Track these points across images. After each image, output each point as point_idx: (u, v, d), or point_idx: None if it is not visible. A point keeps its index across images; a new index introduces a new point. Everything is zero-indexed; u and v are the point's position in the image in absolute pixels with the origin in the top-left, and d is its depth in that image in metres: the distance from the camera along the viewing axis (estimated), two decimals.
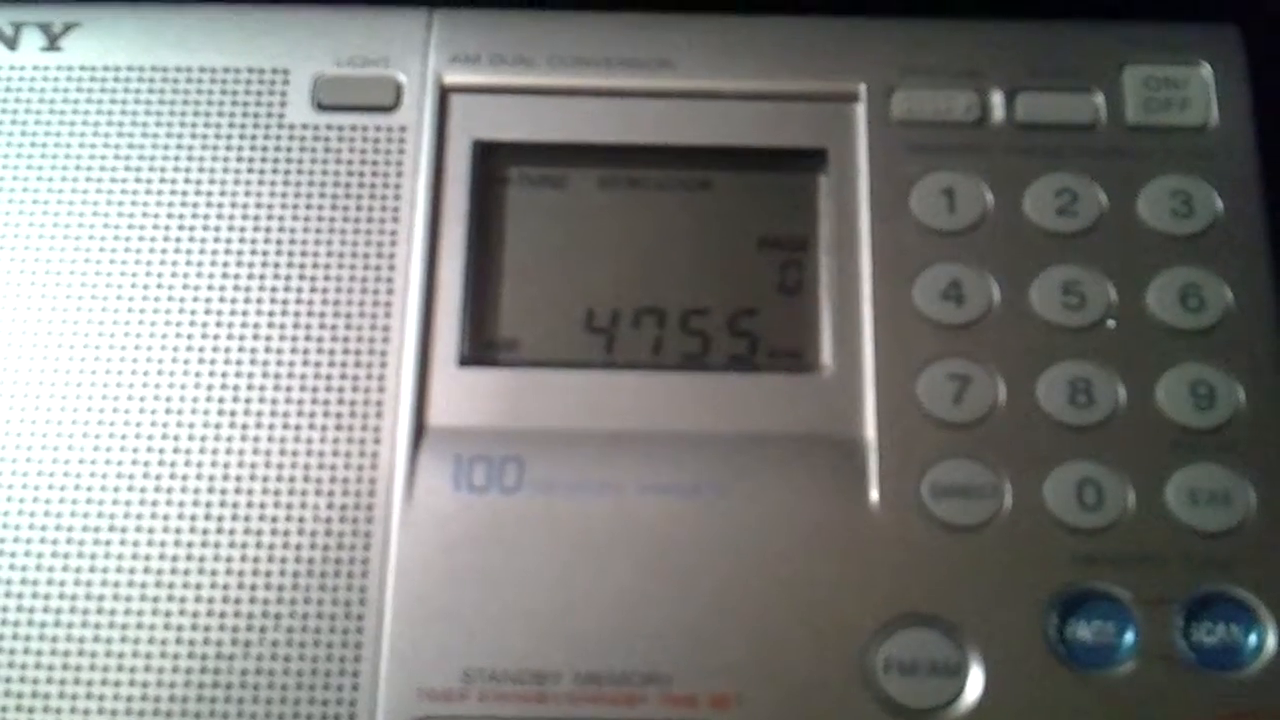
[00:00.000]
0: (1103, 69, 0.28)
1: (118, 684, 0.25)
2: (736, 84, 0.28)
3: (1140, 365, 0.26)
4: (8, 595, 0.25)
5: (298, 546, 0.25)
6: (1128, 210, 0.27)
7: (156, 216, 0.28)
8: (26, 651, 0.25)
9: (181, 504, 0.26)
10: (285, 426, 0.26)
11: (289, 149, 0.28)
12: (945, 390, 0.26)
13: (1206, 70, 0.29)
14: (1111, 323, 0.27)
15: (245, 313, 0.27)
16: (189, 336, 0.27)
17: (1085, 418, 0.26)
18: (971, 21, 0.29)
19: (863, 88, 0.28)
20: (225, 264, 0.27)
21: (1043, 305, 0.27)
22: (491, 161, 0.28)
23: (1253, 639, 0.25)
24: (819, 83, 0.28)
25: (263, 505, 0.26)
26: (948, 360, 0.26)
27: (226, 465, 0.26)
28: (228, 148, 0.28)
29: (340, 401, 0.26)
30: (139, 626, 0.25)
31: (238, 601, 0.25)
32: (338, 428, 0.26)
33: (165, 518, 0.25)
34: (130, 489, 0.26)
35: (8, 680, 0.25)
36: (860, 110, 0.28)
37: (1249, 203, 0.27)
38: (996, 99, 0.28)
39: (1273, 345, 0.26)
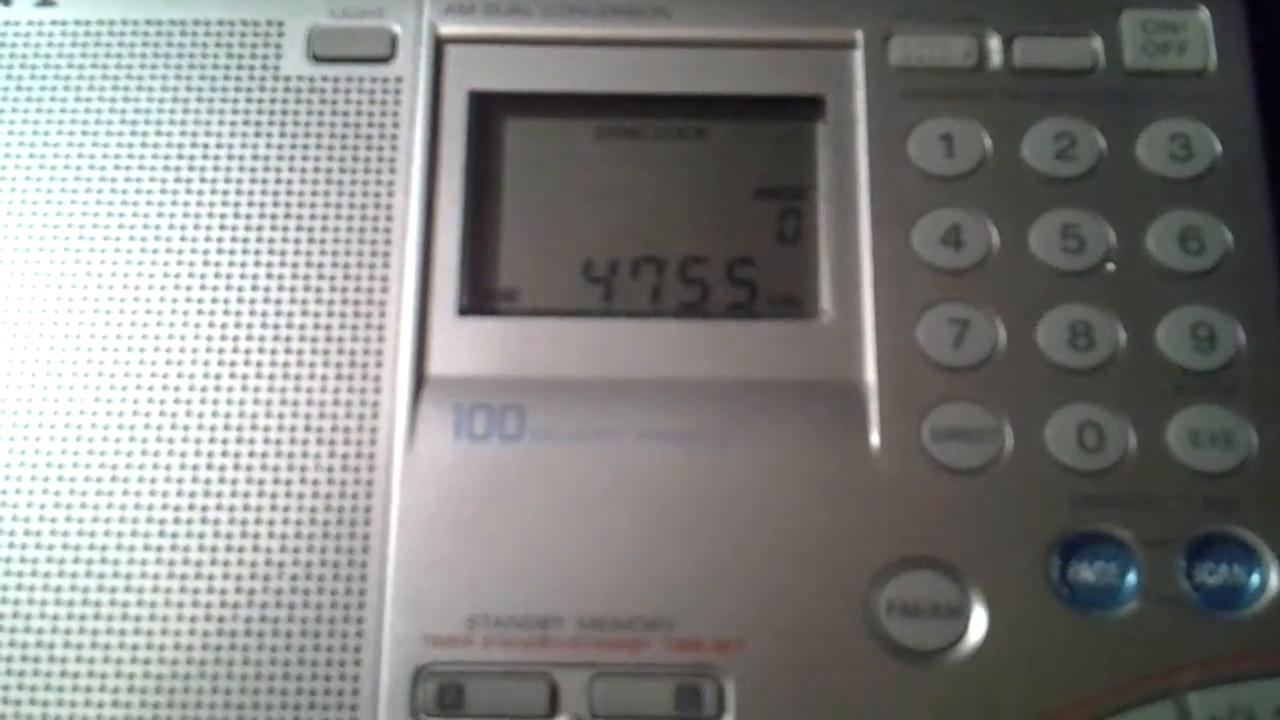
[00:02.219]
0: (1100, 13, 0.28)
1: (122, 633, 0.25)
2: (733, 32, 0.28)
3: (1140, 308, 0.26)
4: (12, 546, 0.25)
5: (300, 496, 0.25)
6: (1127, 154, 0.27)
7: (153, 170, 0.27)
8: (31, 602, 0.25)
9: (184, 454, 0.26)
10: (286, 377, 0.26)
11: (284, 101, 0.28)
12: (945, 334, 0.26)
13: (1204, 14, 0.28)
14: (1111, 266, 0.27)
15: (244, 264, 0.27)
16: (188, 289, 0.27)
17: (1085, 360, 0.26)
18: None
19: (859, 34, 0.28)
20: (223, 217, 0.27)
21: (1042, 249, 0.27)
22: (488, 112, 0.28)
23: (1255, 579, 0.25)
24: (816, 30, 0.28)
25: (264, 455, 0.26)
26: (947, 304, 0.26)
27: (228, 416, 0.26)
28: (223, 100, 0.28)
29: (340, 352, 0.26)
30: (143, 576, 0.25)
31: (241, 550, 0.25)
32: (338, 377, 0.26)
33: (168, 468, 0.26)
34: (132, 440, 0.26)
35: (14, 630, 0.25)
36: (857, 57, 0.28)
37: (1248, 145, 0.27)
38: (994, 44, 0.28)
39: (1273, 286, 0.26)
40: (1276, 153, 0.27)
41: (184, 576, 0.25)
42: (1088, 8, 0.28)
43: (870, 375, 0.26)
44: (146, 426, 0.26)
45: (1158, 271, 0.27)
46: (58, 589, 0.25)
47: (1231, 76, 0.28)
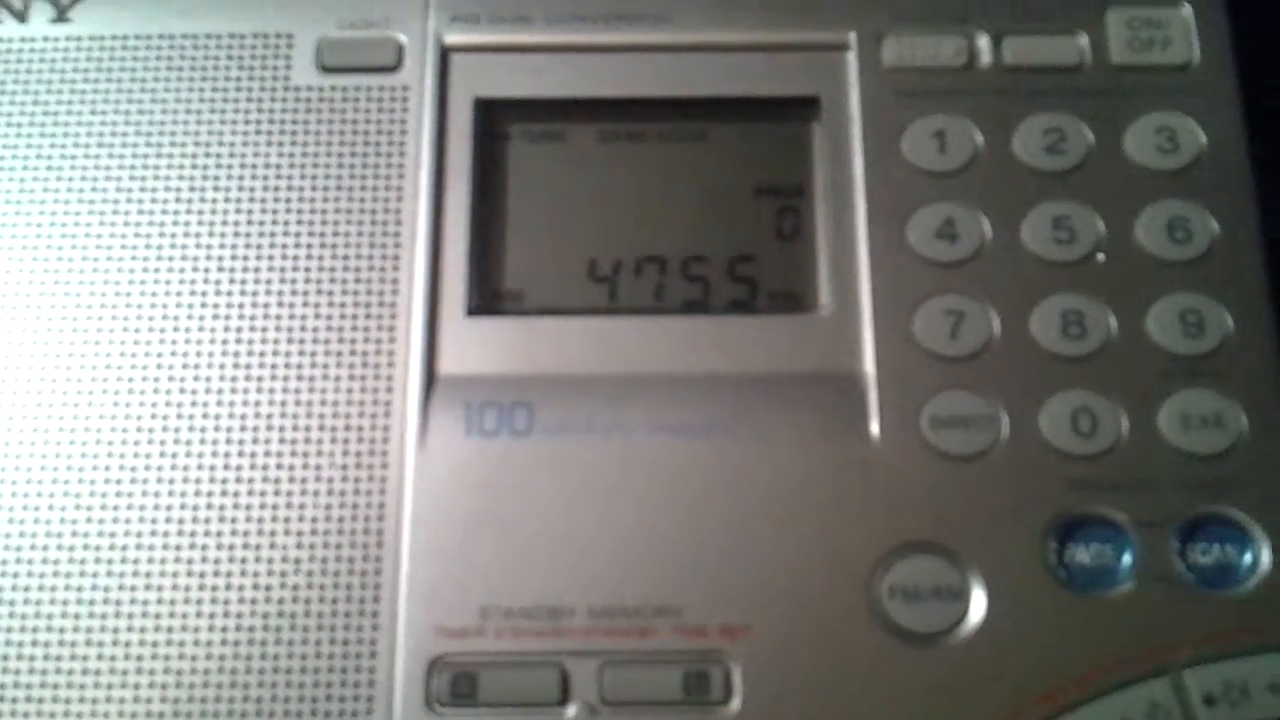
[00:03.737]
0: (1086, 11, 0.29)
1: (143, 630, 0.25)
2: (730, 36, 0.29)
3: (1130, 296, 0.27)
4: (34, 547, 0.26)
5: (315, 493, 0.26)
6: (1114, 147, 0.28)
7: (169, 180, 0.28)
8: (54, 602, 0.25)
9: (201, 455, 0.26)
10: (300, 379, 0.27)
11: (295, 110, 0.29)
12: (941, 325, 0.27)
13: (1187, 10, 0.29)
14: (1101, 256, 0.27)
15: (258, 270, 0.28)
16: (204, 294, 0.27)
17: (1078, 348, 0.27)
18: None
19: (853, 36, 0.29)
20: (237, 224, 0.28)
21: (1034, 241, 0.27)
22: (493, 118, 0.29)
23: (1248, 558, 0.25)
24: (811, 33, 0.29)
25: (280, 454, 0.26)
26: (943, 296, 0.27)
27: (244, 417, 0.26)
28: (236, 111, 0.29)
29: (353, 353, 0.27)
30: (162, 574, 0.26)
31: (258, 547, 0.26)
32: (351, 378, 0.27)
33: (185, 469, 0.26)
34: (150, 442, 0.26)
35: (37, 630, 0.25)
36: (851, 58, 0.29)
37: (1232, 136, 0.28)
38: (984, 43, 0.29)
39: (1259, 272, 0.27)
40: (1260, 143, 0.28)
41: (203, 574, 0.26)
42: (1074, 6, 0.29)
43: (869, 366, 0.27)
44: (165, 428, 0.26)
45: (1147, 260, 0.27)
46: (79, 588, 0.26)
47: (1215, 70, 0.29)
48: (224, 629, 0.25)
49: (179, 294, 0.27)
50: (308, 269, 0.28)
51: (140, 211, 0.28)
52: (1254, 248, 0.27)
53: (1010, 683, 0.25)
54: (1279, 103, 0.29)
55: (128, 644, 0.25)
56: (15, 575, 0.26)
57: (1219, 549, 0.26)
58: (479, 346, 0.27)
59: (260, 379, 0.27)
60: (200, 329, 0.27)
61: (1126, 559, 0.25)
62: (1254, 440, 0.26)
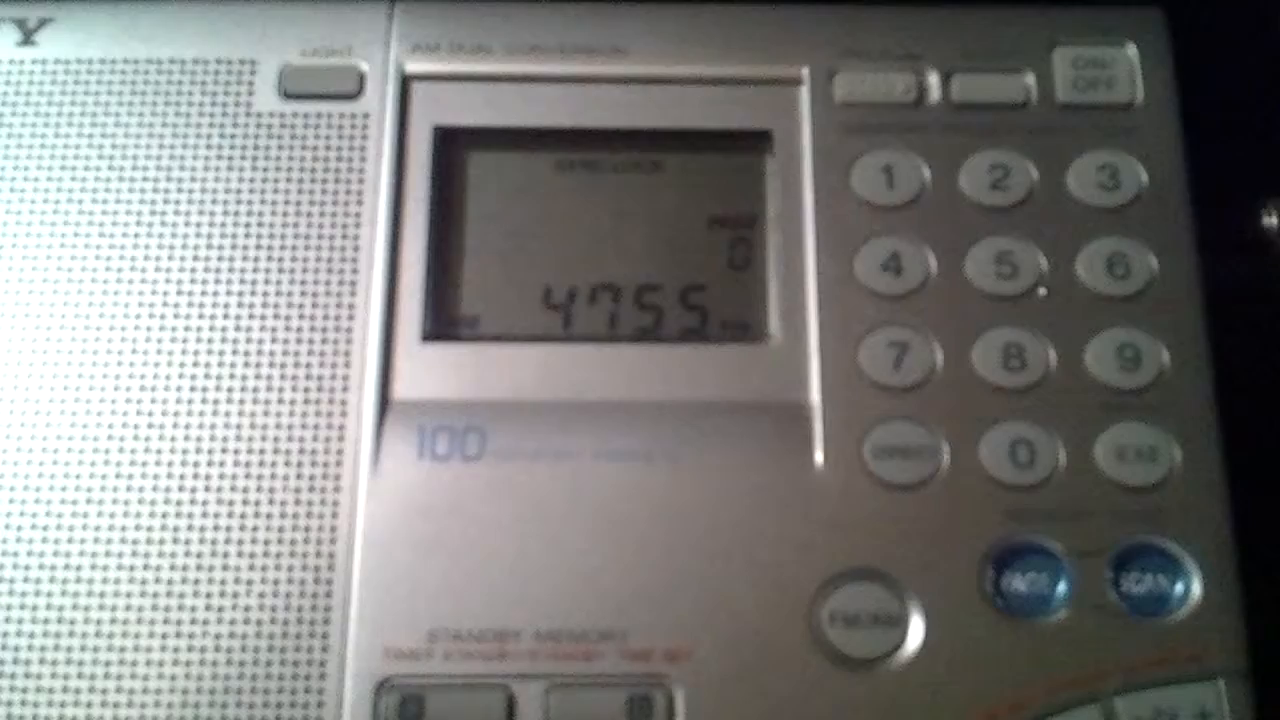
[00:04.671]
0: (1034, 50, 0.30)
1: (95, 649, 0.26)
2: (686, 69, 0.30)
3: (1070, 330, 0.28)
4: None
5: (268, 516, 0.26)
6: (1057, 184, 0.29)
7: (130, 203, 0.29)
8: (8, 620, 0.26)
9: (156, 476, 0.27)
10: (255, 401, 0.27)
11: (257, 136, 0.29)
12: (886, 356, 0.27)
13: (1132, 50, 0.30)
14: (1043, 291, 0.28)
15: (216, 293, 0.28)
16: (163, 317, 0.28)
17: (1018, 381, 0.27)
18: (908, 6, 0.30)
19: (806, 71, 0.30)
20: (197, 247, 0.28)
21: (977, 275, 0.28)
22: (452, 146, 0.29)
23: (1179, 587, 0.26)
24: (764, 67, 0.30)
25: (234, 477, 0.27)
26: (888, 328, 0.28)
27: (199, 439, 0.27)
28: (199, 136, 0.29)
29: (308, 377, 0.27)
30: (116, 594, 0.26)
31: (211, 569, 0.26)
32: (306, 401, 0.27)
33: (140, 490, 0.27)
34: (106, 463, 0.27)
35: None
36: (804, 93, 0.29)
37: (1172, 176, 0.29)
38: (933, 80, 0.30)
39: (1195, 309, 0.28)
40: (1199, 182, 0.29)
41: (155, 594, 0.26)
42: (1022, 45, 0.30)
43: (815, 396, 0.27)
44: (120, 450, 0.27)
45: (1087, 296, 0.28)
46: (34, 607, 0.26)
47: (1157, 110, 0.29)
48: (176, 649, 0.26)
49: (137, 316, 0.28)
50: (265, 293, 0.28)
51: (101, 234, 0.28)
52: (1191, 285, 0.28)
53: (947, 707, 0.25)
54: (1219, 141, 0.29)
55: (80, 663, 0.26)
56: None
57: (1151, 578, 0.26)
58: (433, 372, 0.28)
59: (216, 401, 0.27)
60: (158, 351, 0.27)
61: (1062, 587, 0.26)
62: (1186, 472, 0.27)
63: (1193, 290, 0.28)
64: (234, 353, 0.27)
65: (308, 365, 0.27)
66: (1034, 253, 0.28)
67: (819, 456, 0.27)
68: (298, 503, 0.26)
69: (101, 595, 0.26)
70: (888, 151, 0.29)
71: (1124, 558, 0.26)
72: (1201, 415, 0.27)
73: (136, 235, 0.28)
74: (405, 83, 0.30)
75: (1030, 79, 0.30)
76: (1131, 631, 0.26)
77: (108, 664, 0.26)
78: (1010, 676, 0.25)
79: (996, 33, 0.30)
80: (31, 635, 0.26)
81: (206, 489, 0.26)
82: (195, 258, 0.28)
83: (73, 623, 0.26)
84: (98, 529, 0.26)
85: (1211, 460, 0.27)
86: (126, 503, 0.26)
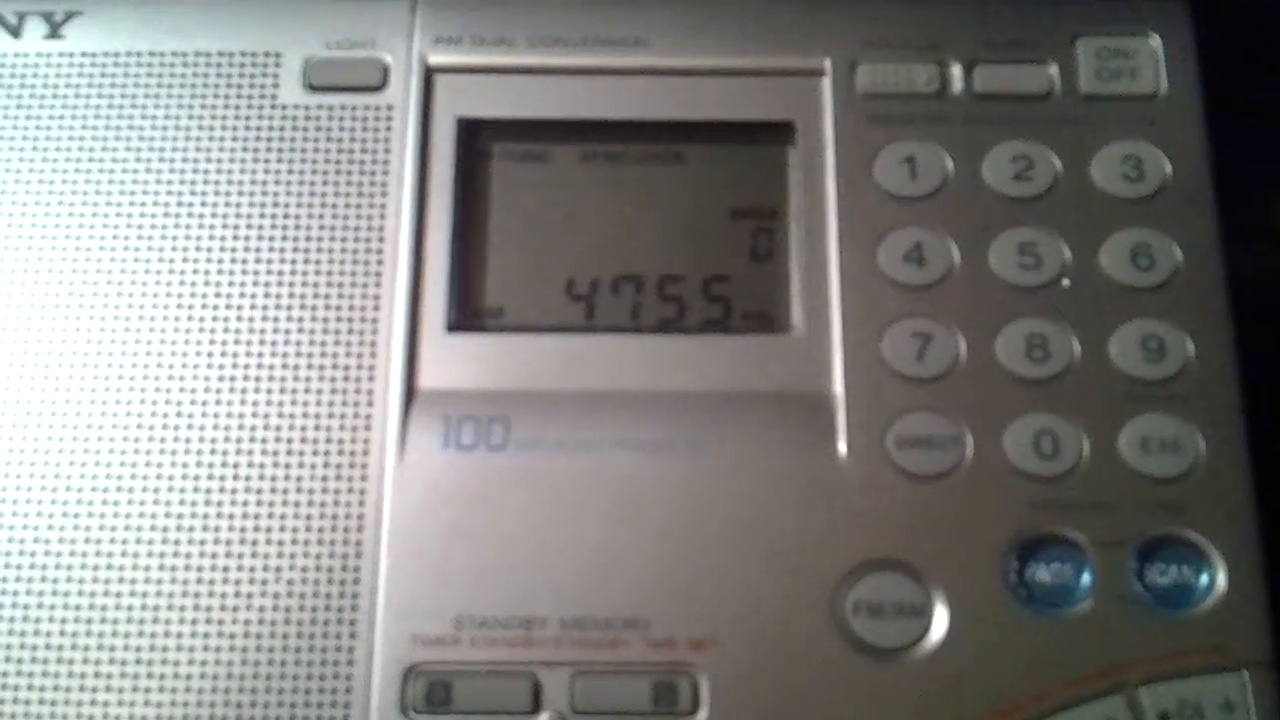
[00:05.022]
0: (1057, 41, 0.30)
1: (126, 635, 0.26)
2: (708, 60, 0.30)
3: (1094, 321, 0.28)
4: (22, 553, 0.26)
5: (296, 504, 0.27)
6: (1081, 175, 0.29)
7: (158, 195, 0.29)
8: (40, 606, 0.26)
9: (185, 465, 0.27)
10: (282, 391, 0.27)
11: (282, 128, 0.29)
12: (909, 347, 0.27)
13: (1156, 41, 0.30)
14: (1066, 282, 0.28)
15: (243, 285, 0.28)
16: (190, 308, 0.28)
17: (1042, 372, 0.27)
18: None
19: (828, 62, 0.30)
20: (224, 239, 0.29)
21: (1001, 266, 0.28)
22: (475, 138, 0.29)
23: (1204, 579, 0.26)
24: (787, 58, 0.30)
25: (262, 465, 0.27)
26: (911, 319, 0.28)
27: (228, 429, 0.27)
28: (224, 128, 0.29)
29: (334, 367, 0.28)
30: (146, 581, 0.26)
31: (240, 556, 0.26)
32: (333, 391, 0.27)
33: (170, 478, 0.27)
34: (136, 451, 0.27)
35: (24, 634, 0.26)
36: (826, 84, 0.29)
37: (1196, 166, 0.29)
38: (956, 71, 0.30)
39: (1219, 300, 0.28)
40: (1224, 172, 0.29)
41: (185, 581, 0.26)
42: (1045, 36, 0.30)
43: (838, 387, 0.27)
44: (150, 439, 0.27)
45: (1110, 286, 0.28)
46: (65, 594, 0.26)
47: (1181, 100, 0.29)
48: (206, 635, 0.26)
49: (166, 308, 0.28)
50: (292, 284, 0.28)
51: (128, 226, 0.29)
52: (1216, 275, 0.28)
53: (969, 698, 0.25)
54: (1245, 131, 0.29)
55: (112, 649, 0.26)
56: (2, 581, 0.26)
57: (1176, 570, 0.26)
58: (458, 362, 0.28)
59: (244, 391, 0.27)
60: (186, 342, 0.28)
61: (1085, 578, 0.26)
62: (1211, 463, 0.27)
63: (1217, 281, 0.28)
64: (261, 343, 0.28)
65: (334, 356, 0.28)
66: (1057, 243, 0.28)
67: (842, 447, 0.27)
68: (325, 491, 0.27)
69: (132, 582, 0.26)
70: (910, 142, 0.29)
71: (1148, 549, 0.26)
72: (1226, 406, 0.27)
73: (163, 227, 0.29)
74: (428, 75, 0.30)
75: (1053, 70, 0.29)
76: (1156, 623, 0.26)
77: (138, 650, 0.26)
78: (1033, 667, 0.25)
79: (1020, 23, 0.30)
80: (64, 622, 0.26)
81: (235, 478, 0.27)
82: (222, 249, 0.28)
83: (104, 609, 0.26)
84: (128, 517, 0.27)
85: (1236, 451, 0.27)
86: (156, 491, 0.27)
